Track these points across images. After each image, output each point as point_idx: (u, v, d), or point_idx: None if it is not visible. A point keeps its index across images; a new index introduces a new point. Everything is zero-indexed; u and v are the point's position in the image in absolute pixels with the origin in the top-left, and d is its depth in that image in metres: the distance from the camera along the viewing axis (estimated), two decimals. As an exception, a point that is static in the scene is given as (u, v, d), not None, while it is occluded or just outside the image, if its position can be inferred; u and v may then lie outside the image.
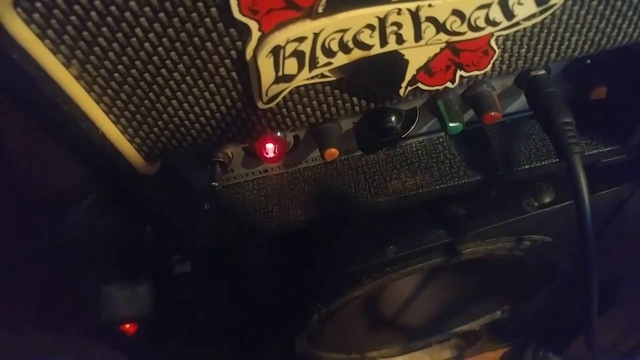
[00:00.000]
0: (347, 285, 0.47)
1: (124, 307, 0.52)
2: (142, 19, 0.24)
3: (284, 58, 0.26)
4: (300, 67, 0.27)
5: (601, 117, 0.41)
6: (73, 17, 0.23)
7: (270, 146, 0.38)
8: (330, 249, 0.46)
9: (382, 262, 0.46)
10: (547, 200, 0.45)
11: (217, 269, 0.47)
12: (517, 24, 0.28)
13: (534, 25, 0.29)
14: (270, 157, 0.38)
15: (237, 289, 0.47)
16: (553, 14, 0.29)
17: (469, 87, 0.37)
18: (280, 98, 0.29)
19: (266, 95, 0.28)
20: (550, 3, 0.27)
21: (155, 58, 0.26)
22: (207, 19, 0.24)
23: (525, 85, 0.37)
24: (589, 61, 0.37)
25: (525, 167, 0.41)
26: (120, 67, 0.26)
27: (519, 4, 0.26)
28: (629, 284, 0.65)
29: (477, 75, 0.32)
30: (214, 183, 0.37)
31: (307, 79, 0.28)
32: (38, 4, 0.22)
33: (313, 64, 0.27)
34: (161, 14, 0.24)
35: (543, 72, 0.37)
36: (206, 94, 0.29)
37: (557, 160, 0.40)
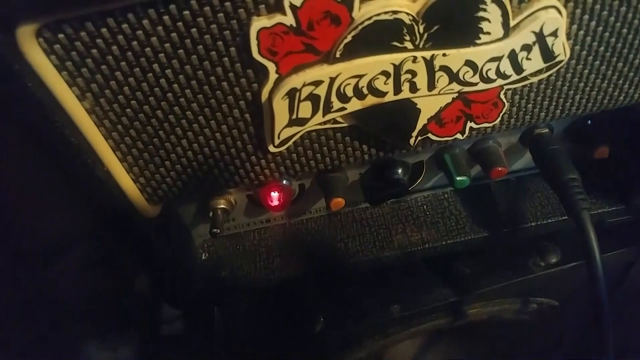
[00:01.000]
0: (348, 346, 0.44)
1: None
2: (161, 55, 0.24)
3: (299, 101, 0.26)
4: (315, 111, 0.27)
5: (605, 177, 0.41)
6: (94, 51, 0.23)
7: (275, 194, 0.37)
8: (330, 306, 0.44)
9: (385, 322, 0.44)
10: (553, 260, 0.44)
11: (209, 321, 0.44)
12: (526, 78, 0.29)
13: (540, 82, 0.30)
14: (274, 206, 0.37)
15: (231, 348, 0.45)
16: (558, 72, 0.30)
17: (475, 142, 0.38)
18: (291, 142, 0.29)
19: (278, 138, 0.28)
20: (557, 60, 0.28)
21: (169, 95, 0.26)
22: (226, 59, 0.25)
23: (530, 143, 0.38)
24: (589, 121, 0.38)
25: (532, 224, 0.41)
26: (133, 102, 0.26)
27: (527, 59, 0.27)
28: (634, 355, 0.62)
29: (486, 128, 0.32)
30: (215, 230, 0.36)
31: (320, 124, 0.28)
32: (61, 36, 0.22)
33: (327, 109, 0.27)
34: (180, 51, 0.24)
35: (547, 130, 0.38)
36: (217, 135, 0.29)
37: (564, 217, 0.40)
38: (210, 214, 0.37)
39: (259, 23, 0.23)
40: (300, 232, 0.42)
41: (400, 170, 0.37)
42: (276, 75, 0.25)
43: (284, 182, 0.37)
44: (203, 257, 0.42)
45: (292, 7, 0.23)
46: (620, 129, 0.38)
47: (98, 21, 0.22)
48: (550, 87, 0.31)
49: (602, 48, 0.29)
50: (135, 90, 0.26)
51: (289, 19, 0.23)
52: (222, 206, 0.37)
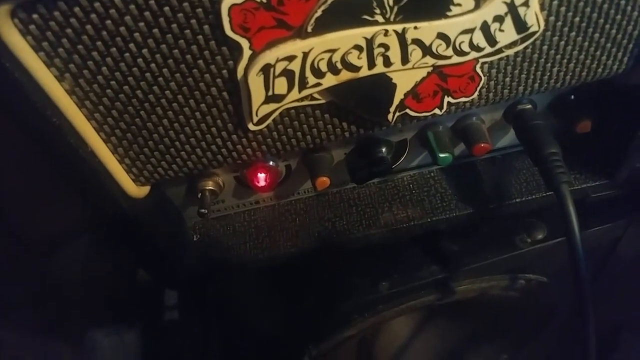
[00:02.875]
0: (338, 324, 0.45)
1: (110, 355, 0.50)
2: (136, 34, 0.25)
3: (274, 77, 0.27)
4: (290, 86, 0.27)
5: (588, 151, 0.41)
6: (69, 30, 0.24)
7: (261, 175, 0.38)
8: (320, 285, 0.45)
9: (374, 299, 0.44)
10: (540, 236, 0.45)
11: (204, 305, 0.45)
12: (500, 50, 0.29)
13: (516, 54, 0.30)
14: (261, 186, 0.38)
15: (225, 329, 0.46)
16: (534, 44, 0.30)
17: (458, 120, 0.38)
18: (270, 119, 0.30)
19: (256, 115, 0.29)
20: (530, 31, 0.28)
21: (147, 75, 0.27)
22: (200, 36, 0.25)
23: (513, 119, 0.38)
24: (572, 96, 0.38)
25: (516, 200, 0.41)
26: (112, 83, 0.27)
27: (500, 30, 0.27)
28: (630, 330, 0.63)
29: (464, 103, 0.32)
30: (202, 210, 0.36)
31: (297, 100, 0.29)
32: (35, 16, 0.23)
33: (303, 84, 0.28)
34: (155, 30, 0.25)
35: (530, 106, 0.38)
36: (197, 114, 0.29)
37: (549, 193, 0.40)
38: (199, 195, 0.37)
39: (230, 0, 0.23)
40: (289, 213, 0.43)
41: (384, 149, 0.38)
42: (250, 52, 0.26)
43: (271, 163, 0.38)
44: (195, 239, 0.43)
45: (261, -18, 0.23)
46: (602, 102, 0.38)
47: (70, 1, 0.23)
48: (527, 60, 0.31)
49: (577, 19, 0.29)
50: (113, 70, 0.26)
51: (259, -5, 0.23)
52: (209, 187, 0.38)
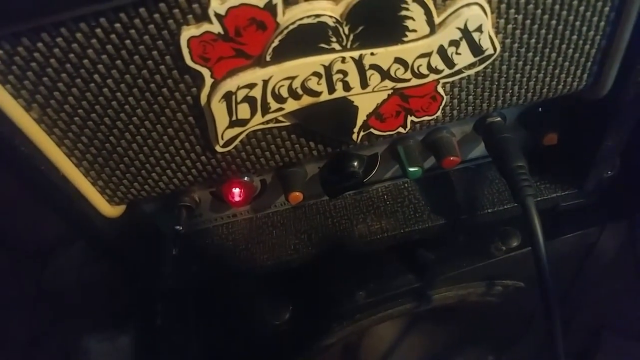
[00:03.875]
0: (317, 334, 0.46)
1: (102, 360, 0.50)
2: (100, 66, 0.25)
3: (237, 103, 0.27)
4: (253, 112, 0.28)
5: (557, 162, 0.42)
6: (33, 64, 0.25)
7: (236, 190, 0.38)
8: (298, 295, 0.46)
9: (352, 308, 0.45)
10: (514, 244, 0.46)
11: (186, 316, 0.46)
12: (460, 71, 0.30)
13: (477, 74, 0.31)
14: (236, 201, 0.39)
15: (207, 339, 0.46)
16: (493, 64, 0.31)
17: (428, 133, 0.39)
18: (237, 142, 0.30)
19: (222, 138, 0.29)
20: (486, 54, 0.29)
21: (114, 103, 0.27)
22: (162, 66, 0.26)
23: (482, 131, 0.39)
24: (540, 109, 0.39)
25: (488, 210, 0.42)
26: (80, 111, 0.27)
27: (457, 53, 0.28)
28: (611, 330, 0.64)
29: (429, 121, 0.33)
30: (177, 227, 0.37)
31: (262, 124, 0.30)
32: (0, 52, 0.24)
33: (265, 109, 0.28)
34: (118, 62, 0.25)
35: (499, 119, 0.39)
36: (165, 137, 0.30)
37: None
38: (175, 211, 0.38)
39: (188, 32, 0.24)
40: (266, 225, 0.44)
41: (355, 163, 0.39)
42: (212, 80, 0.26)
43: (245, 178, 0.38)
44: (173, 252, 0.43)
45: (218, 15, 0.24)
46: (569, 115, 0.39)
47: (33, 36, 0.23)
48: (488, 79, 0.32)
49: (532, 40, 0.30)
50: (80, 99, 0.27)
51: (216, 27, 0.24)
52: (185, 204, 0.38)
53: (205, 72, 0.26)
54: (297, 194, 0.37)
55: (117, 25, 0.24)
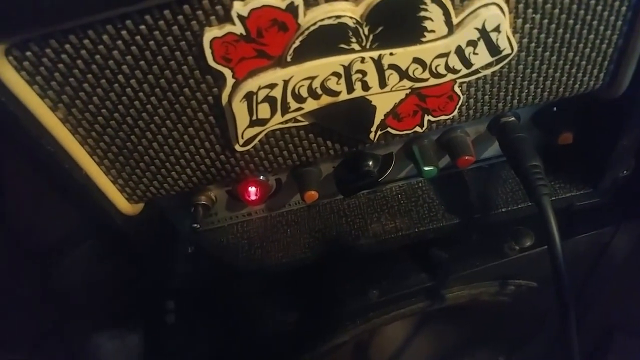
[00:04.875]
0: (330, 331, 0.46)
1: (112, 359, 0.51)
2: (124, 67, 0.26)
3: (257, 103, 0.28)
4: (273, 111, 0.29)
5: (572, 161, 0.42)
6: (61, 65, 0.25)
7: (252, 189, 0.39)
8: (312, 293, 0.46)
9: (365, 306, 0.45)
10: (527, 243, 0.46)
11: (200, 313, 0.46)
12: (477, 71, 0.30)
13: (493, 74, 0.31)
14: (252, 200, 0.39)
15: (221, 337, 0.47)
16: (509, 64, 0.31)
17: (443, 133, 0.39)
18: (256, 141, 0.31)
19: (242, 138, 0.30)
20: (504, 54, 0.29)
21: (136, 103, 0.28)
22: (185, 67, 0.26)
23: (497, 131, 0.39)
24: (555, 108, 0.39)
25: (502, 210, 0.42)
26: (103, 111, 0.28)
27: (475, 53, 0.28)
28: (622, 331, 0.64)
29: (445, 120, 0.33)
30: (195, 225, 0.38)
31: (281, 123, 0.30)
32: (28, 53, 0.24)
33: (285, 109, 0.29)
34: (142, 62, 0.26)
35: (513, 118, 0.39)
36: (185, 137, 0.30)
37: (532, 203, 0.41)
38: (192, 209, 0.39)
39: (210, 33, 0.25)
40: (280, 224, 0.44)
41: (370, 163, 0.39)
42: (233, 80, 0.27)
43: (261, 177, 0.39)
44: (189, 251, 0.44)
45: (240, 17, 0.24)
46: (584, 114, 0.39)
47: (61, 38, 0.24)
48: (505, 79, 0.32)
49: (550, 40, 0.30)
50: (104, 99, 0.27)
51: (238, 28, 0.25)
52: (202, 202, 0.39)
53: (227, 73, 0.26)
54: (313, 192, 0.38)
55: (142, 27, 0.24)
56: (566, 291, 0.35)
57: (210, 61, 0.26)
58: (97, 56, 0.25)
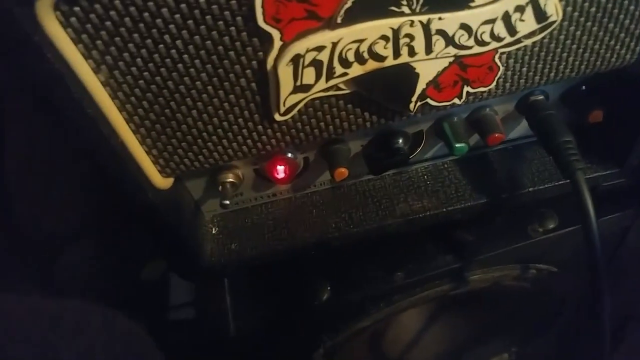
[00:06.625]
0: (353, 315, 0.46)
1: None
2: (172, 26, 0.25)
3: (303, 67, 0.27)
4: (318, 76, 0.28)
5: (599, 141, 0.42)
6: (108, 23, 0.25)
7: (281, 167, 0.38)
8: (337, 275, 0.45)
9: (390, 289, 0.45)
10: (551, 226, 0.46)
11: (222, 293, 0.46)
12: (519, 40, 0.30)
13: (534, 44, 0.31)
14: (280, 178, 0.39)
15: (243, 317, 0.46)
16: (551, 33, 0.31)
17: (472, 111, 0.39)
18: (296, 109, 0.30)
19: (284, 105, 0.29)
20: (549, 21, 0.29)
21: (179, 66, 0.27)
22: (232, 28, 0.26)
23: (526, 110, 0.39)
24: (584, 87, 0.39)
25: (529, 189, 0.42)
26: (145, 74, 0.27)
27: (521, 20, 0.28)
28: (636, 322, 0.64)
29: (482, 92, 0.33)
30: (225, 202, 0.37)
31: (323, 90, 0.30)
32: (77, 9, 0.24)
33: (330, 74, 0.28)
34: (190, 21, 0.25)
35: (542, 97, 0.39)
36: (225, 104, 0.30)
37: (560, 182, 0.41)
38: (220, 187, 0.38)
39: (263, -9, 0.24)
40: (305, 205, 0.44)
41: (400, 140, 0.39)
42: (280, 42, 0.26)
43: (289, 155, 0.38)
44: (213, 232, 0.43)
45: (294, -26, 0.24)
46: (613, 92, 0.39)
47: (111, -7, 0.23)
48: (544, 50, 0.32)
49: (593, 9, 0.30)
50: (147, 61, 0.27)
51: (291, -14, 0.24)
52: (230, 180, 0.38)
53: (276, 34, 0.26)
54: (343, 169, 0.37)
55: (194, -17, 0.24)
56: (601, 268, 0.35)
57: (260, 21, 0.25)
58: (146, 14, 0.25)
